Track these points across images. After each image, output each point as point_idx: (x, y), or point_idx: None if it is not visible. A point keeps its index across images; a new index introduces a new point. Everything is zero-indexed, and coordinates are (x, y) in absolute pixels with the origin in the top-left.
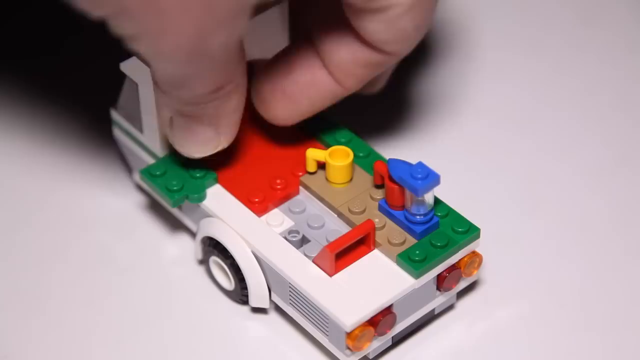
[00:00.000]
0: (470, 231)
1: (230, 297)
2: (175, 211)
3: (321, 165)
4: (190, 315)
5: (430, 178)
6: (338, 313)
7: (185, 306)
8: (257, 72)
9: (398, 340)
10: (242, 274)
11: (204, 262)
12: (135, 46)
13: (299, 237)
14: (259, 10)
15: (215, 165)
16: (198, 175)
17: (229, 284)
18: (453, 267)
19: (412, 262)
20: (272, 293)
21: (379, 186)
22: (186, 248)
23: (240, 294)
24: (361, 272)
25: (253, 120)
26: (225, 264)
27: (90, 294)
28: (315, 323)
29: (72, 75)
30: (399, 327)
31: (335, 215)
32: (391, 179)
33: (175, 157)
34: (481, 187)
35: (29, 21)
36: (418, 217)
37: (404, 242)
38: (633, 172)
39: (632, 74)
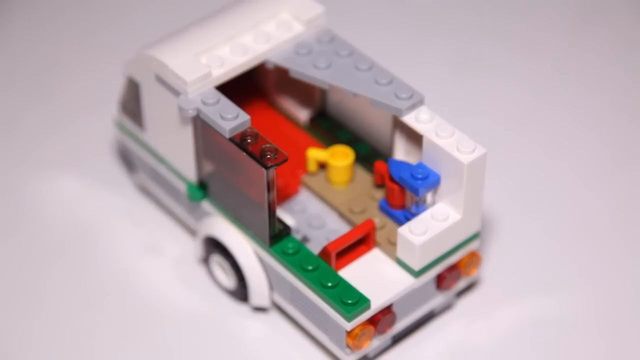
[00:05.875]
0: None
1: (231, 297)
2: (175, 211)
3: (322, 165)
4: (190, 315)
5: (431, 178)
6: (338, 312)
7: (185, 306)
8: None
9: (398, 339)
10: (242, 273)
11: (204, 261)
12: None
13: (300, 236)
14: None
15: None
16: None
17: (229, 283)
18: (453, 267)
19: None
20: (272, 292)
21: (379, 186)
22: (186, 248)
23: (240, 293)
24: (361, 272)
25: (253, 120)
26: (226, 263)
27: (90, 294)
28: (316, 322)
29: (72, 74)
30: (399, 326)
31: (336, 215)
32: (391, 179)
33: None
34: None
35: (29, 20)
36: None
37: None
38: (633, 172)
39: (632, 74)
